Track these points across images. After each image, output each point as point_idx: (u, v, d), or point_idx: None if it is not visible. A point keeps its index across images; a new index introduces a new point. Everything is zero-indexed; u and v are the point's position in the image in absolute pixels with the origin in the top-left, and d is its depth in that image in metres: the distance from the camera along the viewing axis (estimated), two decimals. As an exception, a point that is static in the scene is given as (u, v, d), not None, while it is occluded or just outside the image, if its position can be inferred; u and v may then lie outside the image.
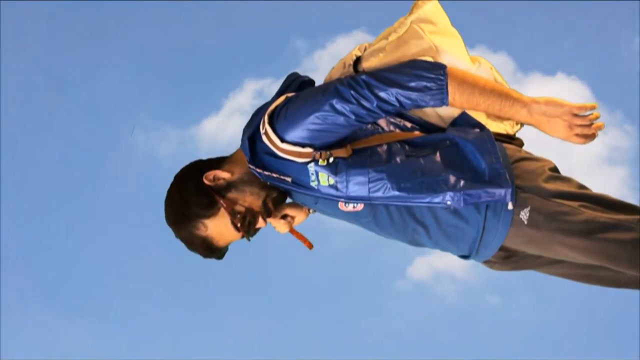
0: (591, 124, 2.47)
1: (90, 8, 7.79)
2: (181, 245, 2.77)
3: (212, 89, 7.87)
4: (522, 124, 2.76)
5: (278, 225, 2.85)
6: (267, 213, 2.72)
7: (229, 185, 2.67)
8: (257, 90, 7.88)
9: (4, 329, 6.51)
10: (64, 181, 7.50)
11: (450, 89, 2.44)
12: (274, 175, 2.58)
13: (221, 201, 2.65)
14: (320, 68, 2.77)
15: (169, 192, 2.70)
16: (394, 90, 2.45)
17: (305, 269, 6.98)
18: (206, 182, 2.65)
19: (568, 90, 7.24)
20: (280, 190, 2.71)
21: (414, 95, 2.44)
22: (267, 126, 2.53)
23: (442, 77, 2.44)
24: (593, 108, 2.45)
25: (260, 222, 2.72)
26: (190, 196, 2.66)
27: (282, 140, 2.51)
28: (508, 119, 2.55)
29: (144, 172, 7.50)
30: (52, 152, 7.63)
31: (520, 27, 7.71)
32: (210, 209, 2.66)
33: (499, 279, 7.25)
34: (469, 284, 7.29)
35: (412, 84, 2.44)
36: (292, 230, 2.90)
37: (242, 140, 2.64)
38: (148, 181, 7.40)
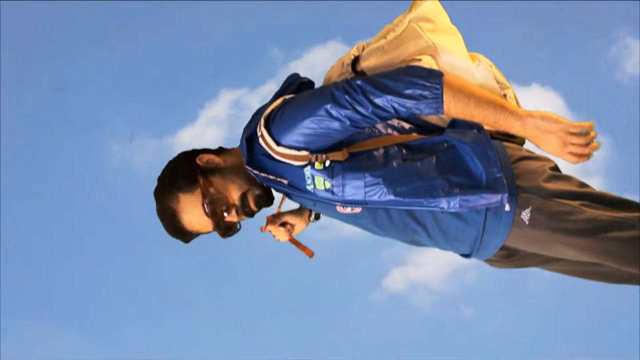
0: (587, 144, 2.44)
1: (64, 17, 7.78)
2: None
3: (187, 99, 7.86)
4: None
5: (278, 233, 2.89)
6: (244, 209, 2.71)
7: (216, 169, 2.70)
8: (233, 101, 7.87)
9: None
10: (37, 191, 7.47)
11: (445, 98, 2.42)
12: (271, 177, 2.58)
13: (200, 179, 2.67)
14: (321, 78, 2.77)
15: (166, 166, 2.77)
16: (390, 97, 2.43)
17: (280, 280, 6.98)
18: (198, 161, 2.69)
19: (542, 101, 7.27)
20: (265, 190, 2.72)
21: (409, 103, 2.43)
22: (263, 129, 2.53)
23: (437, 86, 2.42)
24: (590, 128, 2.43)
25: (233, 215, 2.70)
26: (178, 169, 2.70)
27: (278, 144, 2.51)
28: (503, 130, 2.54)
29: (120, 181, 7.49)
30: (25, 160, 7.61)
31: (495, 38, 7.75)
32: (189, 185, 2.68)
33: (475, 290, 7.25)
34: (445, 295, 7.31)
35: (408, 92, 2.42)
36: (292, 239, 2.92)
37: (241, 141, 2.63)
38: (123, 191, 7.40)
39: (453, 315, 7.27)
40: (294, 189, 2.59)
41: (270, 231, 2.90)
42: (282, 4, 7.73)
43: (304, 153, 2.51)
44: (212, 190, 2.67)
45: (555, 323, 6.85)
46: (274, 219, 2.90)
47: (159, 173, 2.78)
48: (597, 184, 2.62)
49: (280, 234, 2.90)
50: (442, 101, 2.42)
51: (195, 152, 2.73)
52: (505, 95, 2.69)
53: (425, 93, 2.41)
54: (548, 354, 6.58)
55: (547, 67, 7.74)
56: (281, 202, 2.86)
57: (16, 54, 7.59)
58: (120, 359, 6.84)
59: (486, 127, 2.62)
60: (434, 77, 2.43)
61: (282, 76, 2.76)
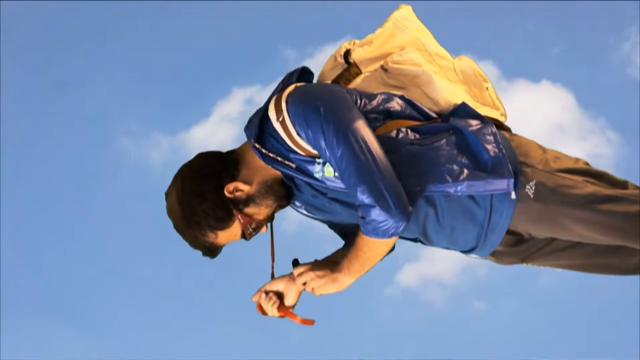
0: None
1: (77, 15, 7.81)
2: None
3: (200, 97, 7.89)
4: (506, 116, 2.88)
5: (266, 307, 2.77)
6: (271, 220, 2.74)
7: (248, 199, 2.64)
8: (245, 98, 7.91)
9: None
10: (52, 189, 7.50)
11: (374, 240, 2.55)
12: (279, 158, 2.58)
13: (239, 216, 2.63)
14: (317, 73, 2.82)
15: (181, 195, 2.64)
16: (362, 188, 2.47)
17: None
18: (227, 194, 2.62)
19: (552, 97, 7.28)
20: (286, 192, 2.70)
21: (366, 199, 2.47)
22: (285, 114, 2.54)
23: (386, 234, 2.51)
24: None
25: (264, 229, 2.73)
26: (209, 208, 2.61)
27: (299, 135, 2.54)
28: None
29: (135, 178, 7.52)
30: (41, 158, 7.63)
31: (507, 35, 7.77)
32: (226, 222, 2.63)
33: (486, 285, 7.27)
34: (457, 290, 7.34)
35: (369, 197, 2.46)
36: (281, 313, 2.76)
37: (250, 126, 2.64)
38: (139, 188, 7.42)
39: (465, 309, 7.30)
40: (302, 174, 2.59)
41: (260, 302, 2.78)
42: (293, 3, 7.76)
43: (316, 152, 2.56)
44: (250, 221, 2.66)
45: (564, 319, 6.87)
46: (258, 293, 2.79)
47: (174, 170, 2.72)
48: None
49: (268, 308, 2.77)
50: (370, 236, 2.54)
51: (216, 179, 2.63)
52: (487, 89, 2.83)
53: (374, 224, 2.49)
54: (557, 350, 6.61)
55: (558, 64, 7.76)
56: (272, 265, 2.79)
57: (16, 54, 7.63)
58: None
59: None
60: (402, 210, 2.48)
61: (295, 73, 2.80)
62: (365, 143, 2.48)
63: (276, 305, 2.73)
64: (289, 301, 2.76)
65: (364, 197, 2.45)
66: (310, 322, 2.76)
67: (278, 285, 2.76)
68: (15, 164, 7.34)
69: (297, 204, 2.77)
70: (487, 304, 7.23)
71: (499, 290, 7.28)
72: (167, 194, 2.69)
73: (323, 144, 2.49)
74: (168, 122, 7.80)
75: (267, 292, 2.76)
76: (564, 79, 7.53)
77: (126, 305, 7.11)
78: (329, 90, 2.62)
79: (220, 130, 7.78)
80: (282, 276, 2.77)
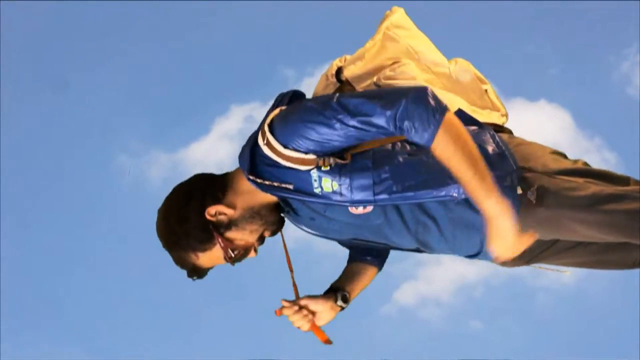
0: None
1: (77, 26, 7.82)
2: (171, 269, 2.75)
3: (199, 114, 7.90)
4: (507, 116, 2.90)
5: (296, 319, 2.75)
6: (261, 242, 2.71)
7: (230, 223, 2.64)
8: (244, 116, 7.93)
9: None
10: (50, 205, 7.50)
11: (438, 136, 2.41)
12: (275, 184, 2.57)
13: (219, 239, 2.63)
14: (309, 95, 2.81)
15: (166, 213, 2.68)
16: (385, 120, 2.43)
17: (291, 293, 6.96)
18: (208, 217, 2.63)
19: (550, 117, 7.30)
20: (278, 217, 2.70)
21: (404, 123, 2.42)
22: (268, 135, 2.53)
23: (437, 121, 2.41)
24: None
25: (252, 254, 2.71)
26: (190, 228, 2.63)
27: (285, 147, 2.51)
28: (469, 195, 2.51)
29: (134, 196, 7.52)
30: (38, 176, 7.64)
31: (506, 54, 7.79)
32: (206, 244, 2.64)
33: (483, 304, 7.27)
34: (453, 309, 7.33)
35: (404, 118, 2.41)
36: (313, 327, 2.75)
37: (243, 156, 2.62)
38: (138, 204, 7.42)
39: (461, 328, 7.29)
40: (301, 194, 2.58)
41: (288, 317, 2.77)
42: (292, 22, 7.78)
43: (311, 157, 2.52)
44: (231, 245, 2.66)
45: (561, 339, 6.86)
46: (292, 304, 2.76)
47: (173, 188, 2.75)
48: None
49: (299, 320, 2.76)
50: (433, 137, 2.42)
51: (200, 201, 2.64)
52: (486, 91, 2.82)
53: (417, 125, 2.41)
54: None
55: (556, 84, 7.78)
56: (295, 290, 2.79)
57: (16, 55, 7.63)
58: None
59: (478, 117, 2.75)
60: (438, 109, 2.42)
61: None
62: (355, 92, 2.52)
63: (311, 321, 2.76)
64: (320, 322, 2.79)
65: (392, 111, 2.41)
66: (329, 342, 2.78)
67: (317, 306, 2.79)
68: (13, 180, 7.34)
69: (298, 224, 2.77)
70: (484, 324, 7.23)
71: (495, 310, 7.28)
72: (158, 211, 2.73)
73: (325, 129, 2.47)
74: (167, 139, 7.82)
75: (300, 307, 2.76)
76: (561, 98, 7.55)
77: (121, 318, 7.10)
78: (311, 102, 2.62)
79: (219, 147, 7.80)
80: (326, 300, 2.80)
